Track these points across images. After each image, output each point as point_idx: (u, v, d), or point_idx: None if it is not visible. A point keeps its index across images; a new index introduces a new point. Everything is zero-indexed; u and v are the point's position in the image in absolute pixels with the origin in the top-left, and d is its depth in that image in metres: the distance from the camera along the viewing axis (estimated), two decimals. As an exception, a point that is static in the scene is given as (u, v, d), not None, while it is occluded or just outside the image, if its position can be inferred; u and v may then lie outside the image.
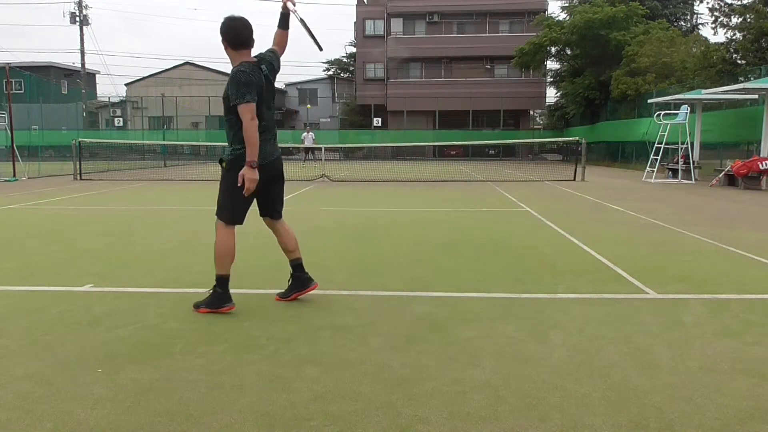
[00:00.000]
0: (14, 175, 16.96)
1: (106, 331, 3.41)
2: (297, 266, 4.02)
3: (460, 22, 44.18)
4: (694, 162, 17.02)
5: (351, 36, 66.07)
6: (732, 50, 21.98)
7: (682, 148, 16.95)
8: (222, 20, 3.62)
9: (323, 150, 22.04)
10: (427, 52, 43.56)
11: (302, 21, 3.92)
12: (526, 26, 41.59)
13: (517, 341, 3.26)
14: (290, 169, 24.52)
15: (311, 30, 3.98)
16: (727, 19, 21.85)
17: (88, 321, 3.59)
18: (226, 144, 3.79)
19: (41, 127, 26.62)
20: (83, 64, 44.44)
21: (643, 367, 2.89)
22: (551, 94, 44.93)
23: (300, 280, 4.01)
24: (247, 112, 3.46)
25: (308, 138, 27.35)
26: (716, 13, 22.23)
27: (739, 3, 21.70)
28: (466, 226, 7.71)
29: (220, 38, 3.63)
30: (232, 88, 3.50)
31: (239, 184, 3.61)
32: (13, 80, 21.55)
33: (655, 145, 17.13)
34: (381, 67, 45.21)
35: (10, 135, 17.49)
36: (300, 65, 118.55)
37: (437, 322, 3.58)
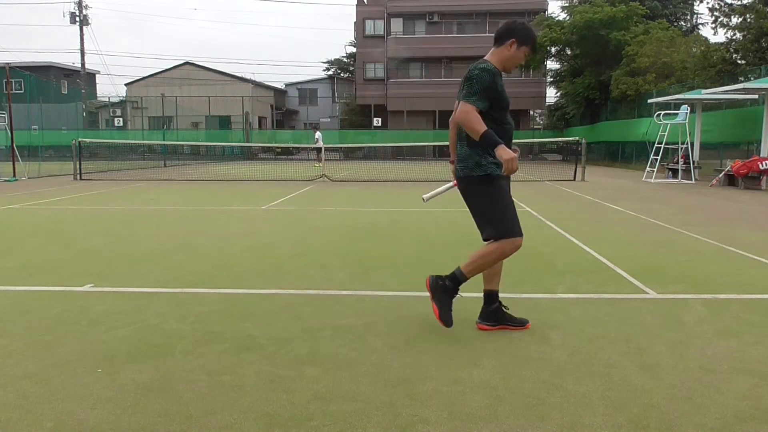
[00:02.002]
0: (14, 175, 16.96)
1: (106, 331, 3.41)
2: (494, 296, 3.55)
3: (460, 22, 44.17)
4: (694, 162, 17.01)
5: (351, 36, 66.11)
6: (732, 50, 21.98)
7: (682, 148, 16.95)
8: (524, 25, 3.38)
9: (323, 150, 22.12)
10: (427, 52, 43.53)
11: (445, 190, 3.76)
12: (526, 26, 41.53)
13: (517, 341, 3.26)
14: (291, 169, 24.54)
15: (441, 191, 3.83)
16: (727, 19, 21.85)
17: (88, 321, 3.59)
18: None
19: (41, 127, 26.62)
20: (83, 64, 44.44)
21: (643, 367, 2.89)
22: (551, 94, 44.98)
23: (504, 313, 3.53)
24: None
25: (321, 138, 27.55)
26: (716, 13, 22.25)
27: (739, 3, 21.71)
28: (466, 226, 7.69)
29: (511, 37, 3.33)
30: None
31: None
32: (13, 80, 21.53)
33: (655, 145, 17.13)
34: (381, 67, 45.18)
35: (10, 135, 17.49)
36: (300, 65, 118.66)
37: (437, 322, 3.58)
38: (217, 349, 3.12)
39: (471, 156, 3.30)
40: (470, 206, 3.44)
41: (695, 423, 2.32)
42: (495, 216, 3.35)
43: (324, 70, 54.73)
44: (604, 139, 30.53)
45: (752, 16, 20.52)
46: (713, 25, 22.60)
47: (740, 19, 21.23)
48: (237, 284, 4.58)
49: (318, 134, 28.17)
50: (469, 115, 3.12)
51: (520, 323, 3.47)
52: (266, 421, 2.33)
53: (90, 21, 43.62)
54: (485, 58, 3.37)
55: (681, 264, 5.33)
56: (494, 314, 3.47)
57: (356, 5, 46.08)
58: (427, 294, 3.86)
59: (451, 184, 3.71)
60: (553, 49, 36.23)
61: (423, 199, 3.87)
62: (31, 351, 3.09)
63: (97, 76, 52.26)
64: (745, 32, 21.16)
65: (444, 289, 3.36)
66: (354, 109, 47.21)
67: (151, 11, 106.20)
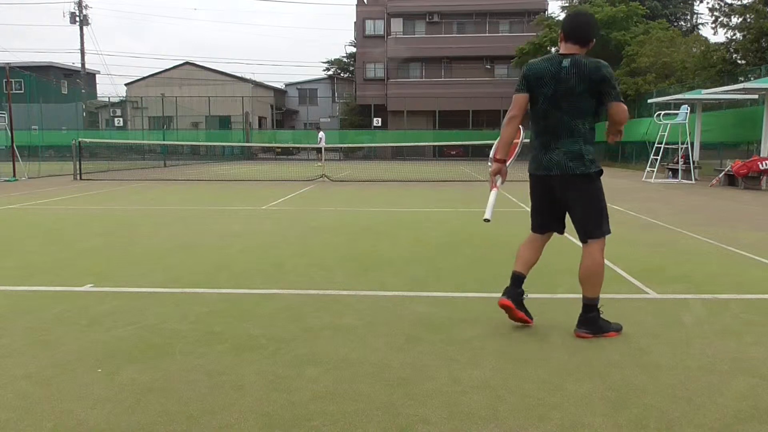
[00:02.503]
0: (14, 175, 16.96)
1: (106, 331, 3.41)
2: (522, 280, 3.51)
3: (460, 22, 44.19)
4: (694, 162, 17.01)
5: (351, 36, 66.14)
6: (732, 50, 21.99)
7: (682, 148, 16.95)
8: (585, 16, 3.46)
9: (323, 150, 22.17)
10: (427, 52, 43.55)
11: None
12: (526, 26, 41.60)
13: (517, 341, 3.26)
14: (294, 169, 24.54)
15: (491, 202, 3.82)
16: (727, 19, 21.87)
17: (87, 321, 3.59)
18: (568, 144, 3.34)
19: (41, 127, 26.63)
20: (83, 64, 44.51)
21: (643, 367, 2.89)
22: (551, 94, 44.98)
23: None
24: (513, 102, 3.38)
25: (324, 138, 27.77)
26: (716, 13, 22.27)
27: (739, 3, 21.72)
28: (466, 226, 7.70)
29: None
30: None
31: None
32: (13, 80, 21.56)
33: (655, 145, 17.13)
34: (381, 67, 45.22)
35: (10, 135, 17.49)
36: (300, 65, 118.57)
37: (437, 322, 3.58)
38: (217, 349, 3.12)
39: (588, 153, 3.32)
40: (581, 203, 3.33)
41: (695, 423, 2.32)
42: (605, 212, 3.36)
43: (324, 70, 54.83)
44: (603, 139, 30.43)
45: (752, 16, 20.52)
46: (713, 25, 22.64)
47: (740, 19, 21.24)
48: (237, 284, 4.58)
49: (321, 134, 28.28)
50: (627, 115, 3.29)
51: (529, 317, 3.45)
52: (266, 421, 2.33)
53: (90, 21, 43.79)
54: (584, 56, 3.31)
55: (681, 264, 5.33)
56: (519, 297, 3.41)
57: (356, 5, 46.11)
58: (428, 294, 3.88)
59: (495, 190, 3.61)
60: (553, 50, 36.23)
61: (487, 220, 3.76)
62: (31, 351, 3.09)
63: (97, 76, 52.33)
64: (745, 32, 21.16)
65: (593, 320, 3.31)
66: (354, 109, 47.24)
67: (151, 11, 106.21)
